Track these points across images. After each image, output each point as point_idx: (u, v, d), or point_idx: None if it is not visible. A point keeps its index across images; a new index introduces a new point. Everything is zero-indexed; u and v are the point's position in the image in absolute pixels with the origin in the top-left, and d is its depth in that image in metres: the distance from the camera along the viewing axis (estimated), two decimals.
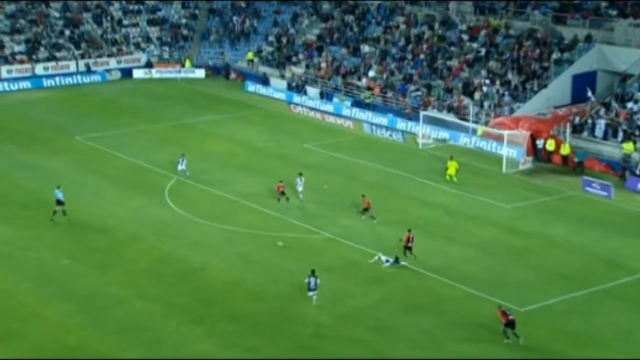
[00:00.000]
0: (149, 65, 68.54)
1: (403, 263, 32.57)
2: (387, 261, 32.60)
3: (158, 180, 42.01)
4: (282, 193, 39.38)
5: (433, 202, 40.34)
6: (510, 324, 26.86)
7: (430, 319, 28.63)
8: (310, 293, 29.25)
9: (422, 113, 51.19)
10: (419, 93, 56.51)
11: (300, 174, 39.42)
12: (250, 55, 68.44)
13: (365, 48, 63.17)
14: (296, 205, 38.84)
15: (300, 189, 39.32)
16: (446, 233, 36.20)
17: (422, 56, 59.60)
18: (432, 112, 52.30)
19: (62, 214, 36.02)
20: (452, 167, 43.02)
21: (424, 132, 50.39)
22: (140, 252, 33.35)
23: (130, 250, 33.48)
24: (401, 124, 53.86)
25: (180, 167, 42.30)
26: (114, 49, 68.83)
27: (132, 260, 32.55)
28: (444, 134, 51.01)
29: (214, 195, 40.19)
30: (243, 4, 74.74)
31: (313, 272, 29.50)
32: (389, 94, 57.80)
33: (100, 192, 39.30)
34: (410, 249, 33.11)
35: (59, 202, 36.08)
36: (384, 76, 59.70)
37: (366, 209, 37.61)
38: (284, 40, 68.66)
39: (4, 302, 28.39)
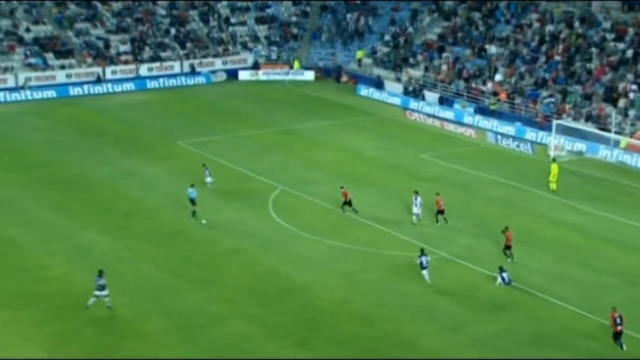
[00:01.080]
0: (255, 66, 70.12)
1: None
2: (502, 279, 32.15)
3: (261, 190, 42.80)
4: (348, 203, 38.64)
5: (565, 221, 39.03)
6: (617, 335, 27.84)
7: (560, 355, 27.61)
8: (424, 272, 32.15)
9: (555, 122, 49.75)
10: (553, 99, 54.99)
11: (417, 192, 38.52)
12: (359, 54, 68.77)
13: (492, 49, 62.12)
14: (410, 221, 38.49)
15: (416, 210, 38.15)
16: (580, 258, 34.90)
17: (557, 58, 57.98)
18: (567, 121, 50.75)
19: (192, 214, 38.01)
20: (553, 172, 42.71)
21: (556, 144, 48.95)
22: (241, 267, 34.01)
23: (231, 264, 34.21)
24: (531, 133, 52.61)
25: (208, 179, 41.65)
26: (220, 49, 70.92)
27: (232, 275, 33.24)
28: (580, 145, 49.42)
29: (321, 207, 40.51)
30: (358, 1, 75.20)
31: (422, 250, 32.67)
32: (518, 100, 56.56)
33: (200, 201, 40.41)
34: (509, 247, 34.05)
35: (193, 202, 38.16)
36: (513, 80, 58.48)
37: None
38: (401, 40, 68.53)
39: (102, 315, 29.63)
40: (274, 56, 71.67)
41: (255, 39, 73.43)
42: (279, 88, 66.39)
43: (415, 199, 38.09)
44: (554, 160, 44.71)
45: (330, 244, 36.42)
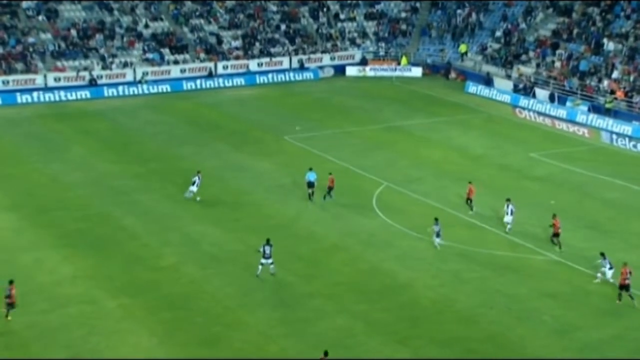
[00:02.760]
0: (363, 62, 70.22)
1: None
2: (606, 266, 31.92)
3: (367, 186, 42.88)
4: (330, 189, 39.86)
5: None
6: (625, 287, 30.46)
7: None
8: (264, 261, 32.36)
9: None
10: None
11: (508, 200, 37.10)
12: (463, 47, 67.90)
13: (610, 45, 59.92)
14: (515, 222, 37.65)
15: (507, 218, 36.64)
16: None
17: None
18: None
19: (309, 196, 40.09)
20: None
21: None
22: (345, 263, 34.22)
23: (335, 260, 34.48)
24: None
25: (191, 188, 40.11)
26: (329, 45, 71.43)
27: (336, 271, 33.50)
28: None
29: (426, 205, 40.22)
30: None
31: (436, 219, 34.79)
32: (636, 99, 54.33)
33: (306, 198, 40.87)
34: (557, 235, 34.65)
35: (310, 184, 40.01)
36: (631, 78, 56.24)
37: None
38: (514, 36, 67.05)
39: (210, 305, 30.53)
40: (381, 52, 71.61)
41: (364, 35, 73.52)
42: (386, 84, 66.28)
43: (508, 207, 36.70)
44: None
45: (435, 242, 36.12)
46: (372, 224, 38.18)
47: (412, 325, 29.26)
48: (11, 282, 29.14)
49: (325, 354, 25.94)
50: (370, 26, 74.42)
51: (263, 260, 32.45)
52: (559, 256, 34.39)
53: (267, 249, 32.41)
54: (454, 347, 27.78)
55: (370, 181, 43.73)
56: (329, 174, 41.01)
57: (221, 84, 66.08)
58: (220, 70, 67.34)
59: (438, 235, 35.18)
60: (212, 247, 35.47)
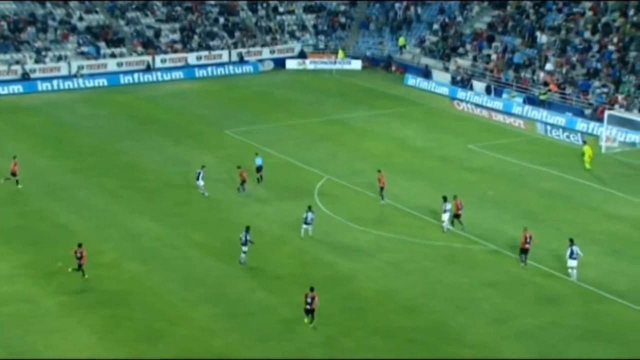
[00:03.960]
0: (302, 55, 70.27)
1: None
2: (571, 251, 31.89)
3: (309, 179, 42.98)
4: (243, 181, 40.20)
5: (619, 214, 38.45)
6: (524, 251, 32.95)
7: (610, 349, 27.30)
8: (306, 227, 34.52)
9: (607, 112, 48.90)
10: (605, 90, 54.02)
11: (445, 197, 36.49)
12: (401, 40, 68.62)
13: (543, 38, 61.24)
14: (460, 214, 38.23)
15: (445, 217, 36.22)
16: (635, 252, 34.36)
17: (611, 47, 56.87)
18: (620, 112, 49.84)
19: (258, 180, 41.57)
20: (586, 154, 44.16)
21: (608, 135, 48.10)
22: (287, 256, 34.27)
23: (277, 253, 34.48)
24: (581, 124, 51.80)
25: (199, 182, 40.25)
26: (268, 38, 71.23)
27: (278, 264, 33.52)
28: (633, 136, 48.53)
29: (368, 197, 40.52)
30: None
31: (309, 207, 35.04)
32: (569, 91, 55.72)
33: (248, 191, 40.76)
34: (458, 216, 35.73)
35: (259, 169, 41.53)
36: (564, 70, 57.61)
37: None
38: (451, 29, 67.97)
39: (152, 301, 30.18)
40: (321, 45, 71.75)
41: (303, 28, 73.56)
42: (326, 77, 66.45)
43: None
44: (584, 142, 46.18)
45: (377, 234, 36.45)
46: (314, 216, 38.27)
47: (355, 317, 29.48)
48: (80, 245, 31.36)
49: (311, 289, 28.27)
50: (310, 19, 74.49)
51: (245, 248, 33.04)
52: (497, 246, 35.06)
53: (244, 236, 32.90)
54: (396, 337, 28.10)
55: (312, 174, 43.83)
56: (237, 167, 41.06)
57: (159, 78, 65.31)
58: (158, 64, 66.52)
59: (307, 223, 35.44)
60: (153, 242, 35.08)
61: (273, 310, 29.81)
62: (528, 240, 32.79)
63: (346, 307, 30.08)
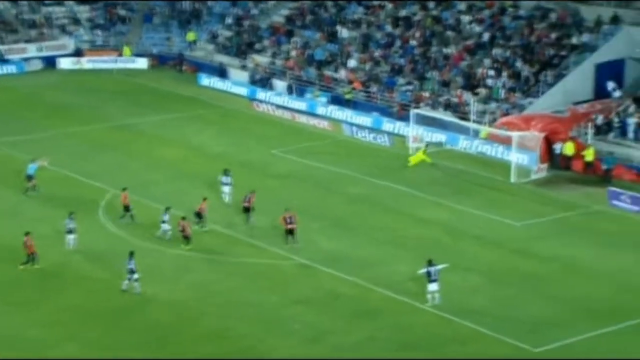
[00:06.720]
0: (78, 53, 68.40)
1: None
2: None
3: (91, 195, 41.99)
4: (127, 207, 38.99)
5: (429, 218, 40.75)
6: (290, 232, 36.32)
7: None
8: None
9: (413, 111, 51.63)
10: (410, 87, 57.03)
11: (287, 209, 37.44)
12: (191, 36, 68.80)
13: (344, 33, 63.56)
14: (264, 226, 38.86)
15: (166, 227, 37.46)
16: (446, 257, 36.41)
17: (413, 42, 60.16)
18: (426, 110, 52.79)
19: (33, 189, 41.81)
20: (417, 157, 47.39)
21: (415, 135, 50.80)
22: (72, 284, 33.29)
23: (58, 283, 33.42)
24: (388, 124, 54.25)
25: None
26: (33, 33, 68.64)
27: (59, 294, 32.51)
28: (439, 136, 51.47)
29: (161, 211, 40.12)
30: None
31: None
32: (373, 89, 58.20)
33: (17, 209, 39.04)
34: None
35: (29, 178, 41.50)
36: (367, 67, 60.10)
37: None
38: (246, 23, 68.86)
39: None
40: (99, 42, 70.19)
41: (76, 21, 71.54)
42: (107, 78, 65.06)
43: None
44: (427, 146, 48.76)
45: (177, 253, 36.27)
46: (99, 236, 37.55)
47: (156, 347, 29.16)
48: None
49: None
50: (82, 11, 72.58)
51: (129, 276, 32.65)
52: (306, 259, 36.00)
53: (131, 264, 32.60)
54: None
55: (95, 189, 42.80)
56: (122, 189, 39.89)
57: None
58: None
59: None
60: None
61: (54, 347, 28.78)
62: (290, 220, 36.21)
63: (145, 338, 29.68)
